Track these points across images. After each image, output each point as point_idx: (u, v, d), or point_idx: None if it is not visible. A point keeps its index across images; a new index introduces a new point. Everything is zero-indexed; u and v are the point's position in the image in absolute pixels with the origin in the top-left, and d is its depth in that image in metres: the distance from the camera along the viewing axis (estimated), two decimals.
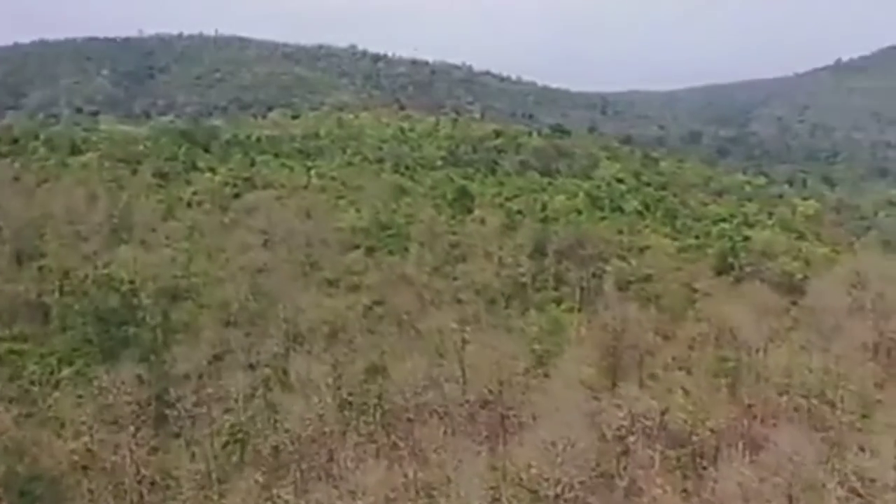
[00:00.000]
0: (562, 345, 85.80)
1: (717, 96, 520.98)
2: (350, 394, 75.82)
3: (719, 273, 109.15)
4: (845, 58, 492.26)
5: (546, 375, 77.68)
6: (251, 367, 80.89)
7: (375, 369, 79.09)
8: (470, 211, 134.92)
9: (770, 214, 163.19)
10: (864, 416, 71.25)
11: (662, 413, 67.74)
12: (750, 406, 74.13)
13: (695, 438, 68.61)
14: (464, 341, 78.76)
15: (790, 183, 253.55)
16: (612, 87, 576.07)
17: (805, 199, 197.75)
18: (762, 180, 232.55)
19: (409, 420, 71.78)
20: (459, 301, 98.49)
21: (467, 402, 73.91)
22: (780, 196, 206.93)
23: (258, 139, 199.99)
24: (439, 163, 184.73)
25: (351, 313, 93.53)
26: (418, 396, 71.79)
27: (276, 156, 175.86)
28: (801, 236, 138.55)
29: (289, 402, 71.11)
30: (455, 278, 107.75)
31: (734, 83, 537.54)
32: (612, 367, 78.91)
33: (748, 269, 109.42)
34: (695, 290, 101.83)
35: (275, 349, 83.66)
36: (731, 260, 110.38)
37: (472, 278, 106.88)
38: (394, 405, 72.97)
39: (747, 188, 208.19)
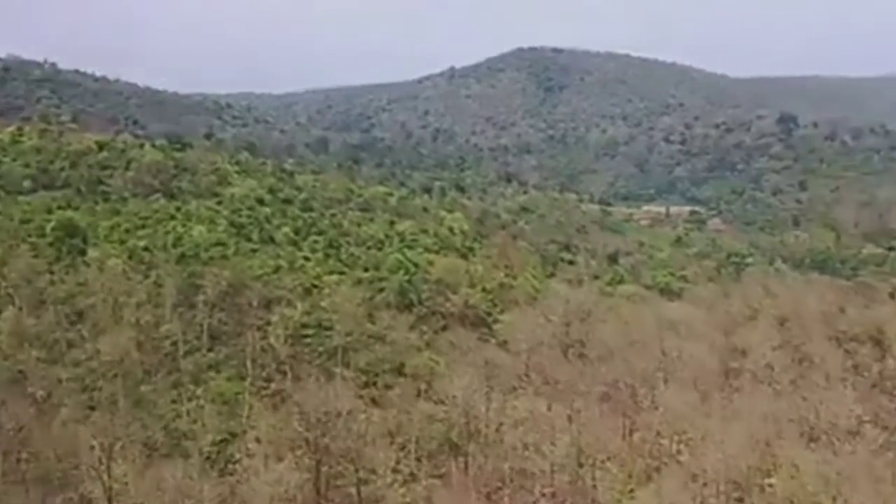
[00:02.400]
0: (238, 439, 70.62)
1: (336, 100, 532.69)
2: None
3: (400, 311, 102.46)
4: (459, 65, 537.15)
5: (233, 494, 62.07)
6: None
7: None
8: (83, 252, 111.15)
9: (424, 231, 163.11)
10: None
11: None
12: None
13: None
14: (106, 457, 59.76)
15: (427, 191, 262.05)
16: (225, 89, 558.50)
17: (449, 210, 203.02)
18: (403, 191, 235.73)
19: None
20: (86, 388, 77.61)
21: None
22: (426, 209, 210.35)
23: None
24: (27, 185, 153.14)
25: None
26: None
27: None
28: (466, 255, 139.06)
29: None
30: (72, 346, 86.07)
31: (353, 87, 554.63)
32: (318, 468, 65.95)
33: (429, 304, 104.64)
34: (383, 339, 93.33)
35: None
36: (411, 295, 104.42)
37: (98, 346, 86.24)
38: None
39: (391, 201, 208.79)
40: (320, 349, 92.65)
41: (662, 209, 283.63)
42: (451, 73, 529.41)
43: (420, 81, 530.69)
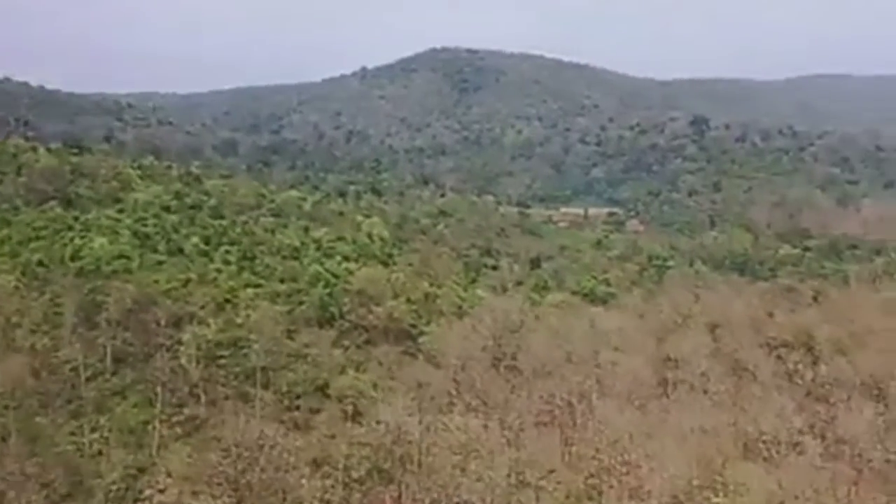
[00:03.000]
0: (148, 473, 65.37)
1: (244, 101, 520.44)
2: None
3: (321, 326, 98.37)
4: (370, 65, 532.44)
5: None
6: None
7: None
8: None
9: (342, 238, 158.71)
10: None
11: None
12: None
13: None
14: None
15: (342, 195, 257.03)
16: (126, 88, 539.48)
17: (367, 215, 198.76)
18: (318, 195, 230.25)
19: None
20: None
21: None
22: (342, 214, 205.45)
23: None
24: None
25: None
26: None
27: None
28: (386, 262, 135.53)
29: None
30: None
31: (262, 87, 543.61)
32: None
33: (351, 318, 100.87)
34: (305, 358, 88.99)
35: None
36: (332, 309, 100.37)
37: None
38: None
39: (305, 206, 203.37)
40: (236, 370, 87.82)
41: (581, 211, 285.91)
42: (363, 74, 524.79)
43: (331, 82, 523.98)
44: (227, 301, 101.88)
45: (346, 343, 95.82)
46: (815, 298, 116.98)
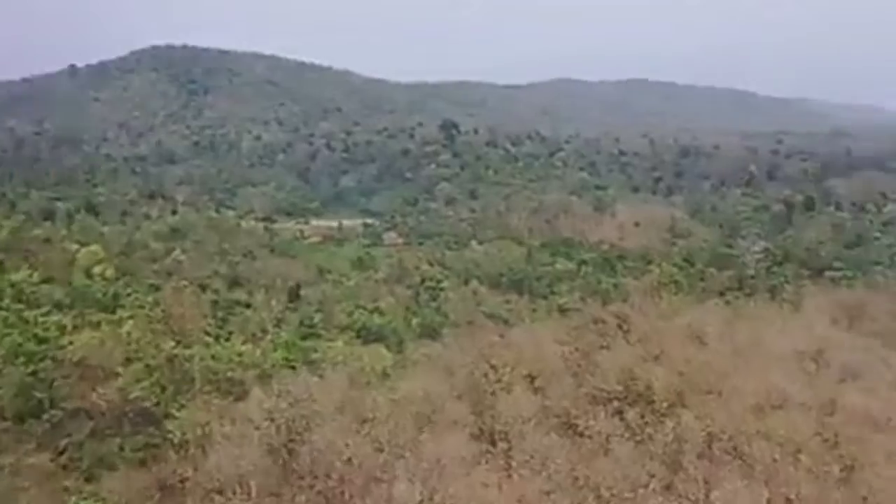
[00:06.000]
0: None
1: None
2: None
3: (19, 422, 72.29)
4: (81, 63, 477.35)
5: None
6: None
7: None
8: None
9: (49, 280, 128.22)
10: None
11: None
12: None
13: None
14: None
15: (49, 217, 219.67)
16: None
17: (82, 243, 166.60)
18: (16, 219, 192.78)
19: None
20: None
21: None
22: (48, 241, 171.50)
23: None
24: None
25: None
26: None
27: None
28: (113, 309, 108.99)
29: None
30: None
31: None
32: None
33: (67, 405, 75.55)
34: None
35: None
36: (39, 395, 74.24)
37: None
38: None
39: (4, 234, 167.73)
40: None
41: (334, 223, 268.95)
42: (72, 72, 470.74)
43: (32, 81, 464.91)
44: None
45: (62, 444, 70.69)
46: (620, 327, 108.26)
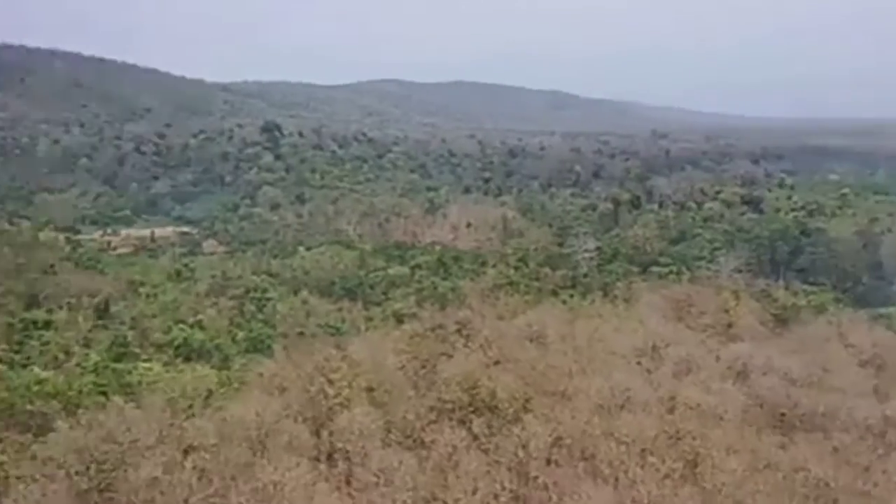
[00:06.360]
0: None
1: None
2: None
3: None
4: None
5: None
6: None
7: None
8: None
9: None
10: None
11: None
12: None
13: None
14: None
15: None
16: None
17: None
18: None
19: None
20: None
21: None
22: None
23: None
24: None
25: None
26: None
27: None
28: None
29: None
30: None
31: None
32: None
33: None
34: None
35: None
36: None
37: None
38: None
39: None
40: None
41: (146, 233, 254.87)
42: None
43: None
44: None
45: None
46: (459, 332, 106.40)
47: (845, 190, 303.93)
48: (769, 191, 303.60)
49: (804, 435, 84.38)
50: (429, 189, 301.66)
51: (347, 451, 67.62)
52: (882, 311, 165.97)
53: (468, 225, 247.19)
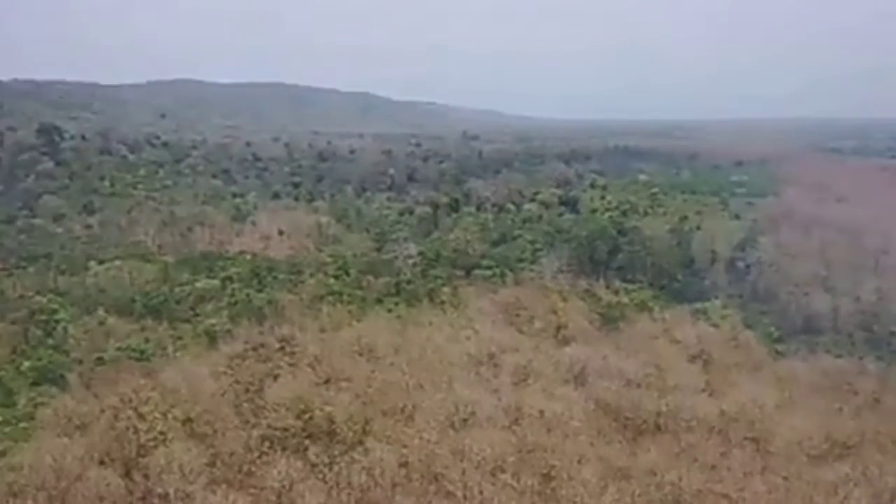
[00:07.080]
0: None
1: None
2: None
3: None
4: None
5: None
6: None
7: None
8: None
9: None
10: None
11: None
12: None
13: None
14: None
15: None
16: None
17: None
18: None
19: None
20: None
21: None
22: None
23: None
24: None
25: None
26: None
27: None
28: None
29: None
30: None
31: None
32: None
33: None
34: None
35: None
36: None
37: None
38: None
39: None
40: None
41: None
42: None
43: None
44: None
45: None
46: (283, 350, 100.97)
47: (655, 189, 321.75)
48: (584, 191, 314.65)
49: (651, 437, 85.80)
50: (234, 195, 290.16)
51: (167, 495, 61.07)
52: (698, 305, 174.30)
53: (280, 232, 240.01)
